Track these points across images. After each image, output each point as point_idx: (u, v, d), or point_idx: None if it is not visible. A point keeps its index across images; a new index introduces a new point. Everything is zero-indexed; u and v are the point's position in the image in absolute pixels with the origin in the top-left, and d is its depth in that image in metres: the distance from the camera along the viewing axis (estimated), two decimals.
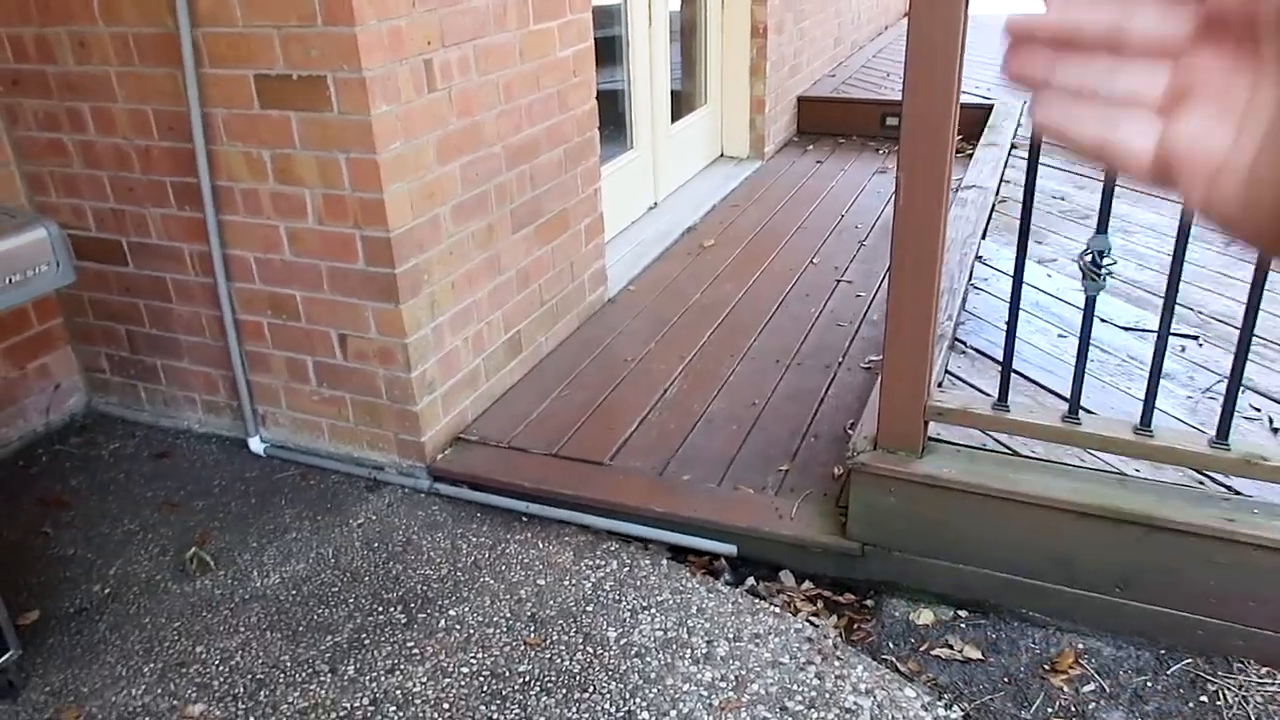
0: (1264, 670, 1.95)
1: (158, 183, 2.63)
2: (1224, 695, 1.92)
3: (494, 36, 2.67)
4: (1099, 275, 1.85)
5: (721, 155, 5.37)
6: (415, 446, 2.64)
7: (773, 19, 5.13)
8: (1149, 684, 1.96)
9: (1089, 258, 1.86)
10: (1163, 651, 2.02)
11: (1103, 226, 1.84)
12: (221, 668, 2.05)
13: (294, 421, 2.80)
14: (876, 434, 2.15)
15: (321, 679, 2.01)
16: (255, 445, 2.83)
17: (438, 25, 2.44)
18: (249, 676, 2.03)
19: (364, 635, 2.13)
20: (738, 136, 5.36)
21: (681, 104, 4.89)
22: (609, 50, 4.03)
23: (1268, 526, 1.87)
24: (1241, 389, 2.44)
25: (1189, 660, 2.00)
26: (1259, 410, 2.35)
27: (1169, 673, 1.98)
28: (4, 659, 1.96)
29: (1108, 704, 1.92)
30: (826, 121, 5.83)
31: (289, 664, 2.06)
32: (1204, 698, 1.92)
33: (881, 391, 2.10)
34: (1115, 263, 1.88)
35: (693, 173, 5.01)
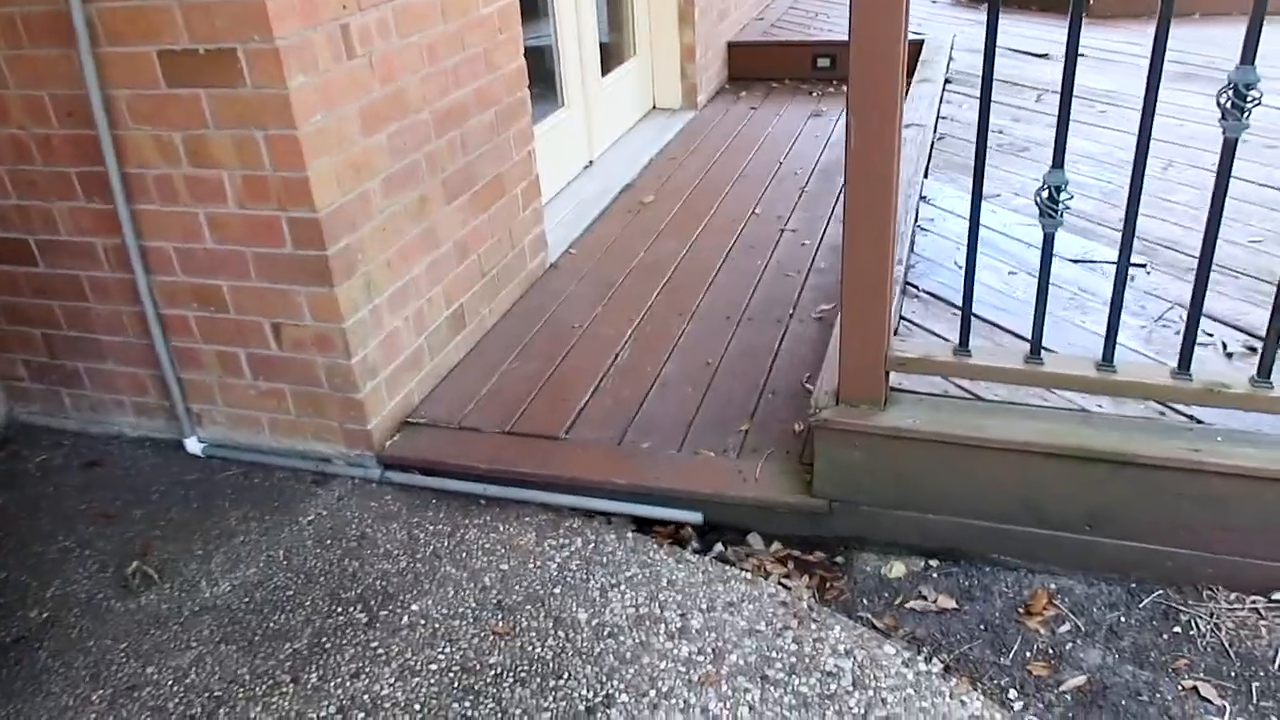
0: (1233, 596, 1.97)
1: (62, 174, 2.45)
2: (1196, 624, 1.93)
3: None
4: (1056, 211, 1.81)
5: (654, 108, 5.25)
6: (362, 435, 2.53)
7: None
8: (1123, 619, 1.96)
9: (1045, 193, 1.82)
10: (1134, 585, 2.03)
11: (1058, 161, 1.80)
12: (176, 688, 1.95)
13: (231, 418, 2.67)
14: (838, 388, 2.10)
15: (283, 690, 1.92)
16: (192, 446, 2.69)
17: None
18: (206, 695, 1.93)
19: (325, 639, 2.04)
20: (669, 87, 5.23)
21: (610, 57, 4.75)
22: (533, 3, 3.87)
23: (1231, 454, 1.87)
24: (1162, 301, 2.44)
25: (1160, 592, 2.01)
26: (1211, 335, 2.35)
27: (1141, 606, 1.99)
28: None
29: (1084, 643, 1.92)
30: (758, 66, 5.73)
31: (248, 677, 1.96)
32: (1177, 628, 1.93)
33: (841, 346, 2.05)
34: (1072, 197, 1.84)
35: (626, 127, 4.89)
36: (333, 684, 1.92)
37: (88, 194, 2.46)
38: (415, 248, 2.64)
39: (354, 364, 2.43)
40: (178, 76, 2.20)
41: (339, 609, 2.12)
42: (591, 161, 4.45)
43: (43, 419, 2.92)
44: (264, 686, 1.93)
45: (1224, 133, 1.66)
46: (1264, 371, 1.84)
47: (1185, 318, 1.84)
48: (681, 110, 5.21)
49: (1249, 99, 1.61)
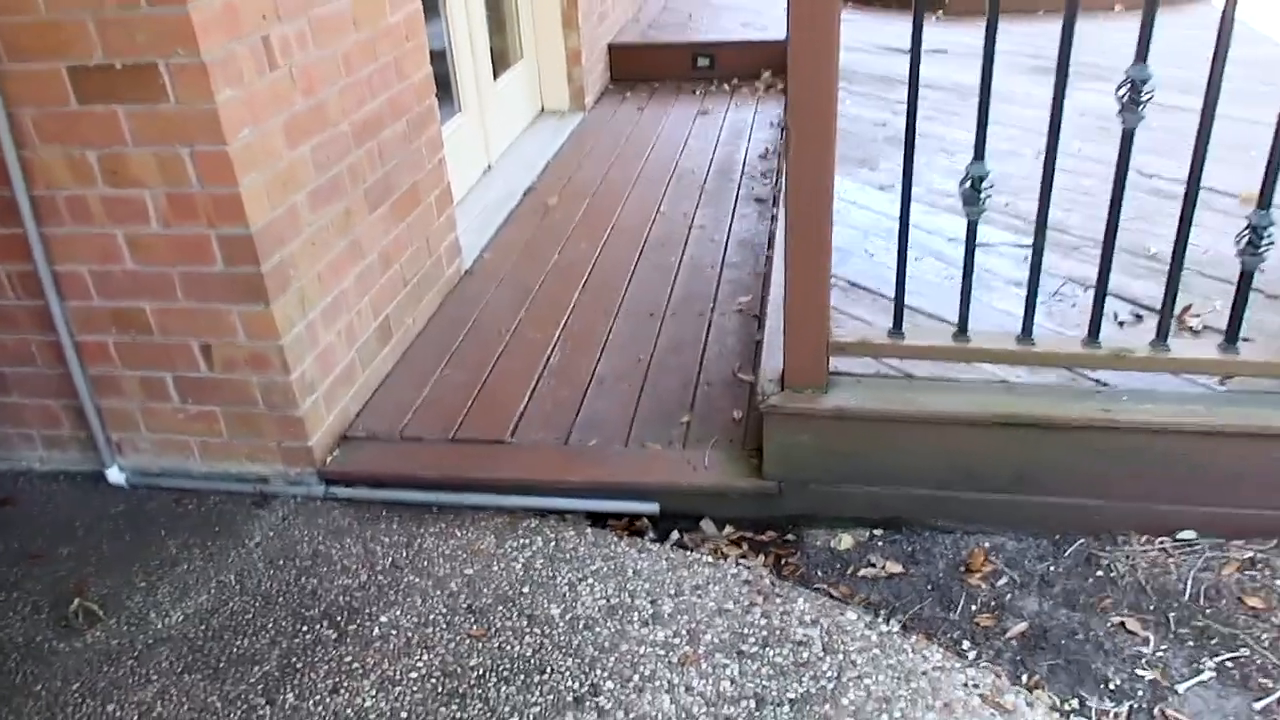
0: (1144, 538, 2.18)
1: None
2: (1116, 567, 2.13)
3: (325, 7, 2.49)
4: (979, 200, 1.97)
5: (543, 110, 5.29)
6: (302, 452, 2.49)
7: None
8: (1052, 569, 2.15)
9: (968, 184, 1.97)
10: (1058, 538, 2.22)
11: (979, 154, 1.95)
12: None
13: (157, 444, 2.57)
14: (783, 376, 2.21)
15: (260, 713, 1.89)
16: (114, 476, 2.58)
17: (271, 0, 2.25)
18: None
19: (294, 659, 2.01)
20: (557, 90, 5.28)
21: (497, 61, 4.75)
22: (428, 8, 3.84)
23: (1137, 410, 2.08)
24: (1084, 288, 2.67)
25: (1081, 541, 2.21)
26: (1117, 317, 2.59)
27: (1066, 555, 2.18)
28: None
29: (1021, 593, 2.10)
30: (639, 68, 5.84)
31: (219, 704, 1.92)
32: (1100, 572, 2.13)
33: (786, 334, 2.16)
34: (993, 186, 2.00)
35: (519, 130, 4.91)
36: (311, 702, 1.90)
37: None
38: (343, 260, 2.61)
39: (293, 380, 2.39)
40: (91, 93, 2.12)
41: (304, 627, 2.09)
42: (490, 166, 4.45)
43: None
44: (238, 712, 1.89)
45: (1122, 124, 1.85)
46: (1162, 336, 2.05)
47: (1085, 291, 2.03)
48: (570, 112, 5.26)
49: (1144, 93, 1.80)
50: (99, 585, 2.25)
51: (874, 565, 2.21)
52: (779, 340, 2.24)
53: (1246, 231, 1.91)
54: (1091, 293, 2.47)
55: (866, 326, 2.42)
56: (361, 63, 2.69)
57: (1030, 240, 2.92)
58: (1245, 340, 2.03)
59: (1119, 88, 1.82)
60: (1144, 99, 1.80)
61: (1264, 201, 1.87)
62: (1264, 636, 1.93)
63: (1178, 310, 2.44)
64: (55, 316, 2.38)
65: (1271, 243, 1.90)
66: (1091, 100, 3.14)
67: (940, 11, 5.85)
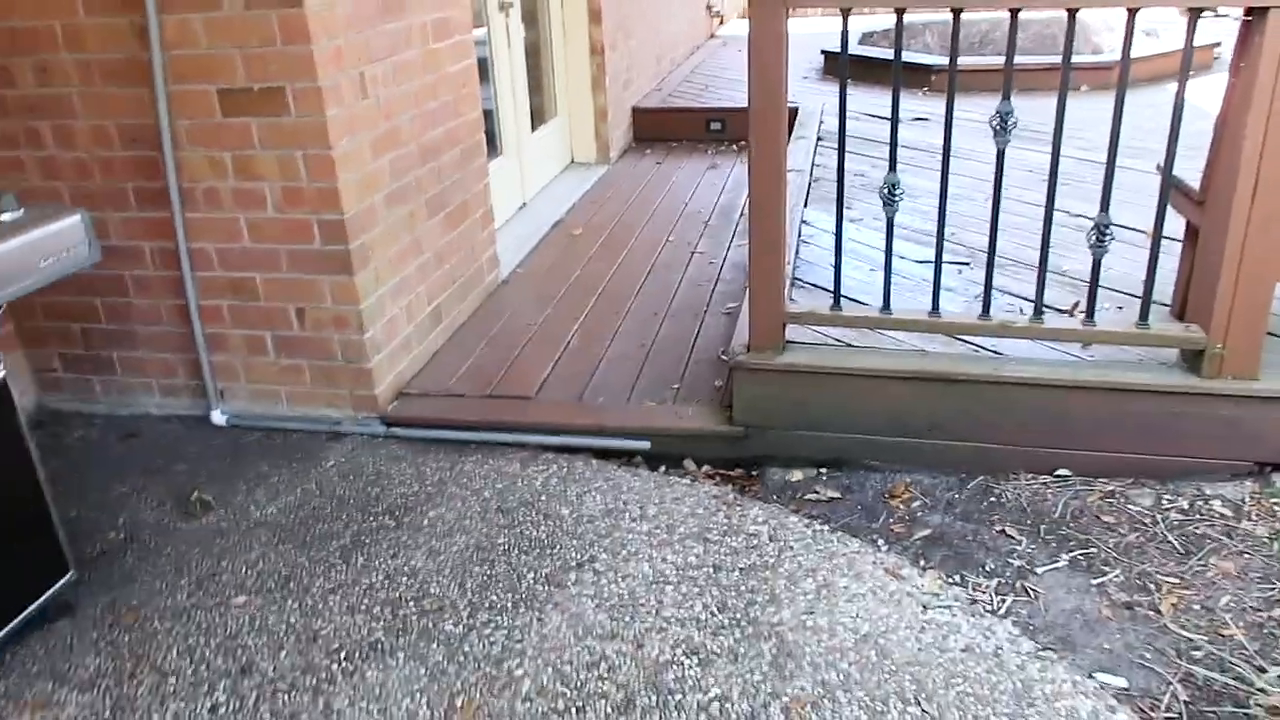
0: (1030, 475, 2.76)
1: (119, 189, 3.01)
2: (1005, 495, 2.70)
3: (405, 53, 3.21)
4: (893, 201, 2.61)
5: (573, 161, 6.03)
6: (369, 399, 3.13)
7: (608, 38, 5.84)
8: (956, 496, 2.73)
9: (885, 190, 2.62)
10: (963, 475, 2.80)
11: (892, 166, 2.60)
12: (249, 573, 2.49)
13: (252, 393, 3.22)
14: (749, 341, 2.83)
15: (338, 569, 2.49)
16: (217, 418, 3.22)
17: (366, 44, 2.96)
18: (275, 575, 2.48)
19: (363, 537, 2.62)
20: (585, 144, 6.03)
21: (535, 116, 5.51)
22: (480, 71, 4.60)
23: (1021, 369, 2.67)
24: (999, 293, 3.29)
25: (981, 478, 2.78)
26: (1015, 307, 3.20)
27: (969, 488, 2.76)
28: (64, 580, 2.33)
29: (929, 512, 2.67)
30: (658, 128, 6.60)
31: (306, 563, 2.52)
32: (993, 499, 2.70)
33: (750, 307, 2.79)
34: (903, 192, 2.64)
35: (551, 176, 5.64)
36: (376, 562, 2.50)
37: (141, 205, 3.02)
38: (408, 252, 3.29)
39: (366, 339, 3.04)
40: (232, 108, 2.82)
41: (370, 518, 2.70)
42: (525, 203, 5.17)
43: (71, 405, 3.39)
44: (321, 567, 2.50)
45: (996, 144, 2.50)
46: (1037, 312, 2.66)
47: (1004, 297, 2.66)
48: (596, 163, 6.00)
49: (1009, 123, 2.45)
50: (209, 489, 2.87)
51: (817, 492, 2.79)
52: (747, 319, 2.87)
53: (1093, 231, 2.53)
54: (1008, 297, 3.11)
55: (814, 302, 3.04)
56: (427, 99, 3.40)
57: (968, 260, 3.56)
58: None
59: (989, 119, 2.47)
60: (1010, 126, 2.45)
61: (1104, 204, 2.50)
62: (1110, 541, 2.50)
63: (1067, 306, 3.05)
64: (186, 285, 3.05)
65: (1112, 238, 2.52)
66: (1041, 160, 3.81)
67: (926, 88, 6.61)
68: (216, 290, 3.08)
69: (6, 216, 2.18)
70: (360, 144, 2.96)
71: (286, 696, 2.08)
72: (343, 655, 2.19)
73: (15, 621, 2.21)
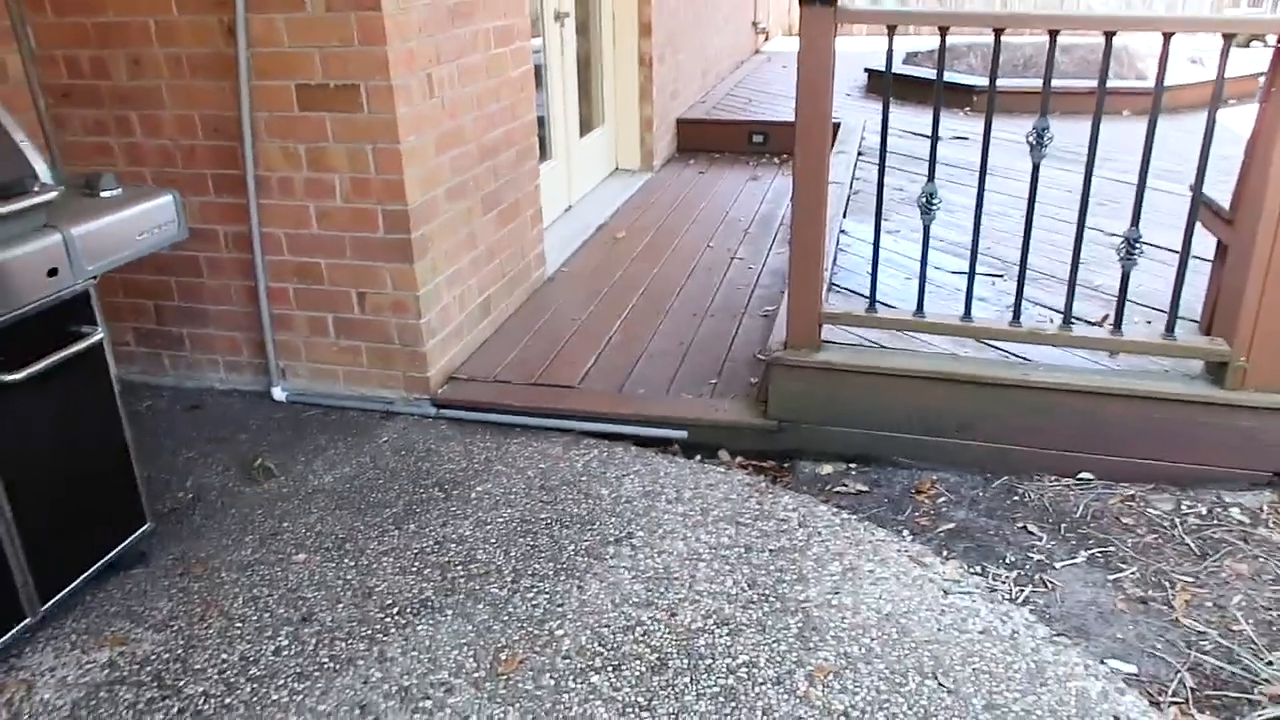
0: (1053, 477, 2.86)
1: (199, 175, 3.21)
2: (1029, 495, 2.81)
3: (470, 57, 3.39)
4: (930, 210, 2.74)
5: (617, 168, 6.20)
6: (421, 382, 3.30)
7: (656, 51, 6.01)
8: (980, 494, 2.84)
9: (924, 199, 2.75)
10: (989, 475, 2.91)
11: (931, 176, 2.73)
12: (308, 534, 2.66)
13: (312, 371, 3.40)
14: (786, 339, 2.97)
15: (391, 534, 2.65)
16: (278, 394, 3.41)
17: (435, 48, 3.15)
18: (333, 537, 2.65)
19: (415, 506, 2.78)
20: (630, 152, 6.20)
21: (584, 123, 5.69)
22: (535, 78, 4.78)
23: (1050, 375, 2.78)
24: (1030, 304, 3.39)
25: (1006, 478, 2.89)
26: (1046, 317, 3.30)
27: (993, 486, 2.86)
28: (141, 530, 2.51)
29: (954, 508, 2.78)
30: (702, 139, 6.75)
31: (362, 527, 2.69)
32: (1016, 498, 2.81)
33: (789, 306, 2.93)
34: (940, 201, 2.77)
35: (596, 181, 5.82)
36: (427, 530, 2.66)
37: (218, 191, 3.22)
38: (463, 245, 3.46)
39: (422, 324, 3.21)
40: (309, 103, 3.01)
41: (421, 490, 2.86)
42: (571, 205, 5.34)
43: (141, 377, 3.59)
44: (376, 532, 2.66)
45: (1031, 158, 2.62)
46: (1066, 321, 2.77)
47: (1035, 308, 2.77)
48: (640, 171, 6.17)
49: (1045, 138, 2.57)
50: (270, 458, 3.05)
51: (846, 485, 2.91)
52: (785, 319, 3.01)
53: (1123, 244, 2.64)
54: (1038, 308, 3.22)
55: (850, 305, 3.17)
56: (488, 101, 3.58)
57: (1001, 272, 3.67)
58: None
59: (1027, 135, 2.59)
60: (1045, 141, 2.57)
61: (1134, 219, 2.61)
62: (1129, 541, 2.59)
63: (1097, 319, 3.15)
64: (256, 267, 3.25)
65: (1141, 252, 2.63)
66: (1079, 181, 3.92)
67: (967, 108, 6.71)
68: (284, 273, 3.27)
69: (107, 194, 2.38)
70: (426, 141, 3.14)
71: (344, 644, 2.24)
72: (395, 610, 2.35)
73: (98, 564, 2.39)
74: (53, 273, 2.15)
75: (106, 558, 2.42)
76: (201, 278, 3.37)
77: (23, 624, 2.21)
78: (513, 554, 2.55)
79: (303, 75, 2.98)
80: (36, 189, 2.13)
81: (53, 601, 2.28)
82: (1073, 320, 2.78)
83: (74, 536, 2.33)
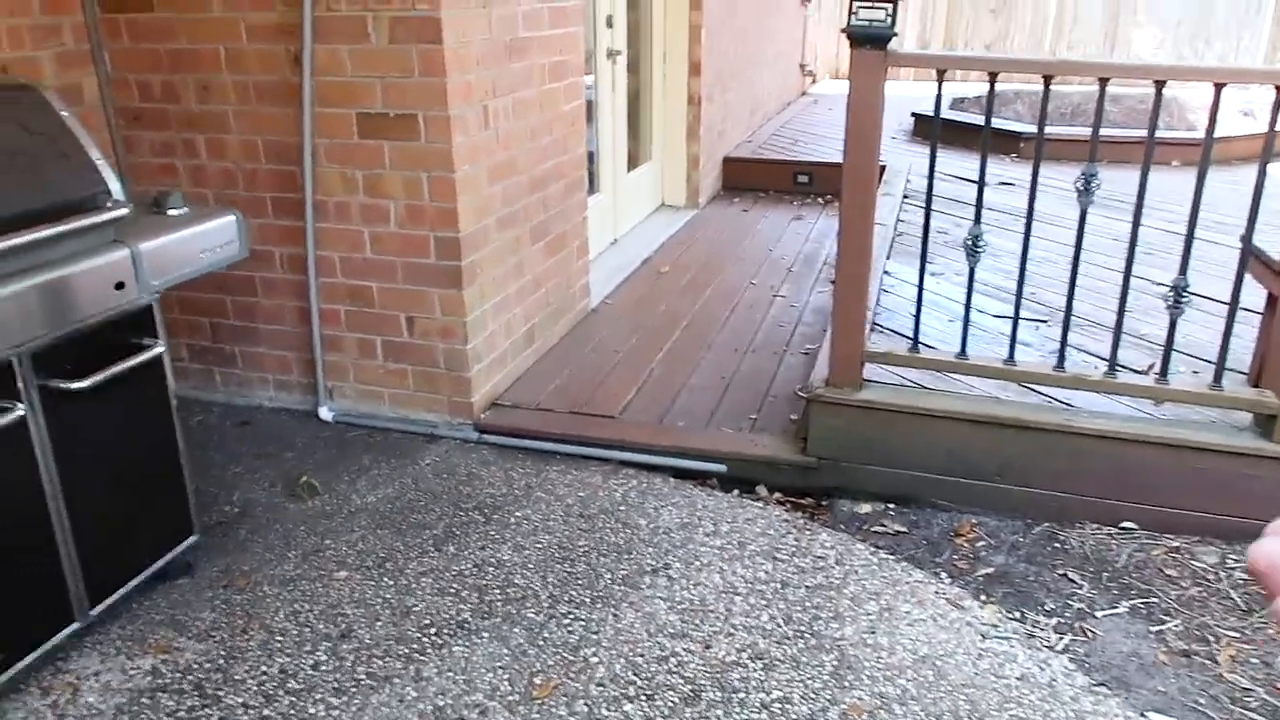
0: (1094, 525, 2.83)
1: (259, 198, 3.31)
2: (1070, 542, 2.78)
3: (524, 91, 3.48)
4: (976, 252, 2.75)
5: (663, 204, 6.27)
6: (465, 406, 3.35)
7: (705, 90, 6.09)
8: (1021, 539, 2.81)
9: (969, 241, 2.76)
10: (1030, 520, 2.88)
11: (977, 219, 2.74)
12: (350, 551, 2.71)
13: (359, 393, 3.47)
14: (828, 376, 2.98)
15: (430, 555, 2.69)
16: (325, 414, 3.47)
17: (492, 81, 3.23)
18: (374, 556, 2.69)
19: (455, 529, 2.81)
20: (676, 188, 6.27)
21: (631, 159, 5.77)
22: (585, 112, 4.88)
23: (1093, 422, 2.76)
24: (1074, 350, 3.37)
25: (1047, 524, 2.86)
26: (1090, 364, 3.28)
27: (1034, 532, 2.84)
28: (188, 542, 2.57)
29: (993, 552, 2.76)
30: (747, 178, 6.81)
31: (402, 547, 2.72)
32: (1056, 545, 2.78)
33: (831, 344, 2.94)
34: (986, 244, 2.78)
35: (642, 216, 5.89)
36: (466, 552, 2.69)
37: (277, 213, 3.31)
38: (510, 274, 3.52)
39: (468, 349, 3.27)
40: (369, 131, 3.10)
41: (461, 513, 2.89)
42: (616, 239, 5.41)
43: (193, 392, 3.68)
44: (416, 552, 2.70)
45: (1079, 204, 2.63)
46: (1111, 367, 2.76)
47: (1080, 354, 2.77)
48: (685, 208, 6.23)
49: (1092, 184, 2.58)
50: (315, 476, 3.10)
51: (884, 525, 2.90)
52: (827, 357, 3.02)
53: (1171, 293, 2.63)
54: (1082, 354, 3.20)
55: (893, 345, 3.17)
56: (541, 134, 3.66)
57: (1046, 318, 3.66)
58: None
59: (1075, 180, 2.60)
60: (1093, 186, 2.58)
61: (1182, 268, 2.60)
62: (1173, 593, 2.56)
63: (1143, 367, 3.13)
64: (310, 289, 3.33)
65: (1189, 301, 2.61)
66: (1127, 229, 3.92)
67: (1014, 154, 6.71)
68: (336, 296, 3.35)
69: (174, 212, 2.47)
70: (479, 170, 3.21)
71: (381, 661, 2.27)
72: (433, 630, 2.38)
73: (145, 573, 2.45)
74: (119, 286, 2.23)
75: (155, 566, 2.48)
76: (256, 297, 3.47)
77: (72, 627, 2.27)
78: (550, 580, 2.57)
79: (364, 104, 3.07)
80: (109, 205, 2.22)
81: (101, 606, 2.33)
82: (1118, 367, 2.77)
83: (125, 544, 2.39)
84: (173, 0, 3.13)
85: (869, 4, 2.57)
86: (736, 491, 3.07)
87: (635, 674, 2.22)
